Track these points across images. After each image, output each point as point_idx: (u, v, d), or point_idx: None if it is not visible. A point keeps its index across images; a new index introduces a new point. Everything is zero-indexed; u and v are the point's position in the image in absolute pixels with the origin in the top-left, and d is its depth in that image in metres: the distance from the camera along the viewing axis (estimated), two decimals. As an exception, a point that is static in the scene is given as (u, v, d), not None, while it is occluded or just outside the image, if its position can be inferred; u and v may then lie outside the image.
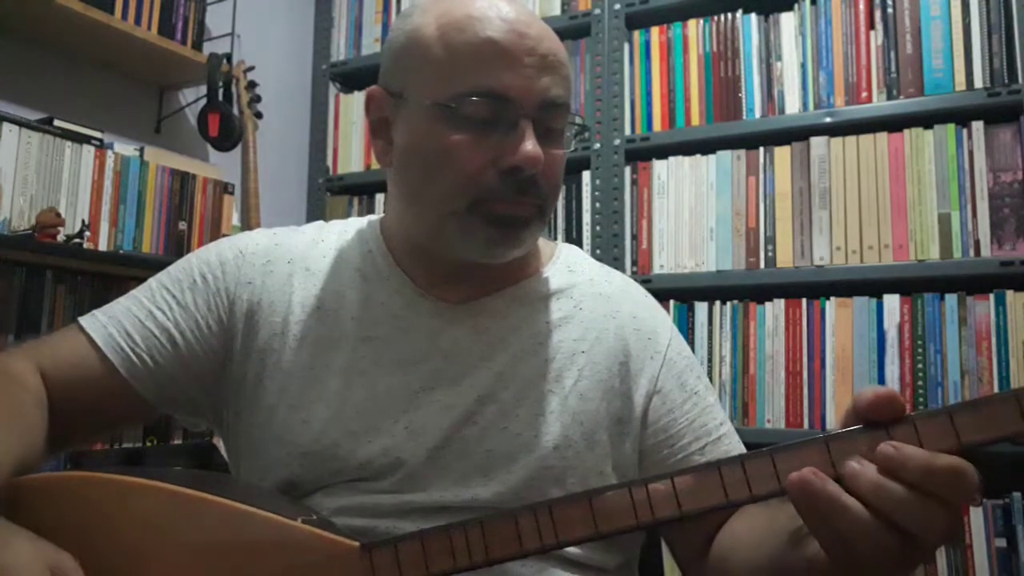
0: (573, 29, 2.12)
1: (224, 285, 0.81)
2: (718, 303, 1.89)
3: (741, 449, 0.82)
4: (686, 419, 0.81)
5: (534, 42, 0.73)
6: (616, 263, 1.96)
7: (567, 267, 0.87)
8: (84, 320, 0.79)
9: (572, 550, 0.73)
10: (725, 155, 1.93)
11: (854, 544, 0.49)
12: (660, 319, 0.87)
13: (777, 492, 0.53)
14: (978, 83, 1.71)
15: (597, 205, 2.03)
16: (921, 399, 1.68)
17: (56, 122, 1.73)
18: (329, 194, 2.43)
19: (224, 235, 1.99)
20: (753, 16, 1.95)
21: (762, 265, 1.86)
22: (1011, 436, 0.50)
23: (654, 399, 0.81)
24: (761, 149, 1.90)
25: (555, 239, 2.03)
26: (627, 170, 2.02)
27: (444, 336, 0.78)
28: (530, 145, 0.71)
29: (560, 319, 0.81)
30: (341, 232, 0.87)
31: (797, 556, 0.57)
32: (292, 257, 0.83)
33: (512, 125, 0.72)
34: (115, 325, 0.78)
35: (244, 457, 0.81)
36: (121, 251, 1.81)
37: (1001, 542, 1.57)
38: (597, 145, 2.04)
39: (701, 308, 1.90)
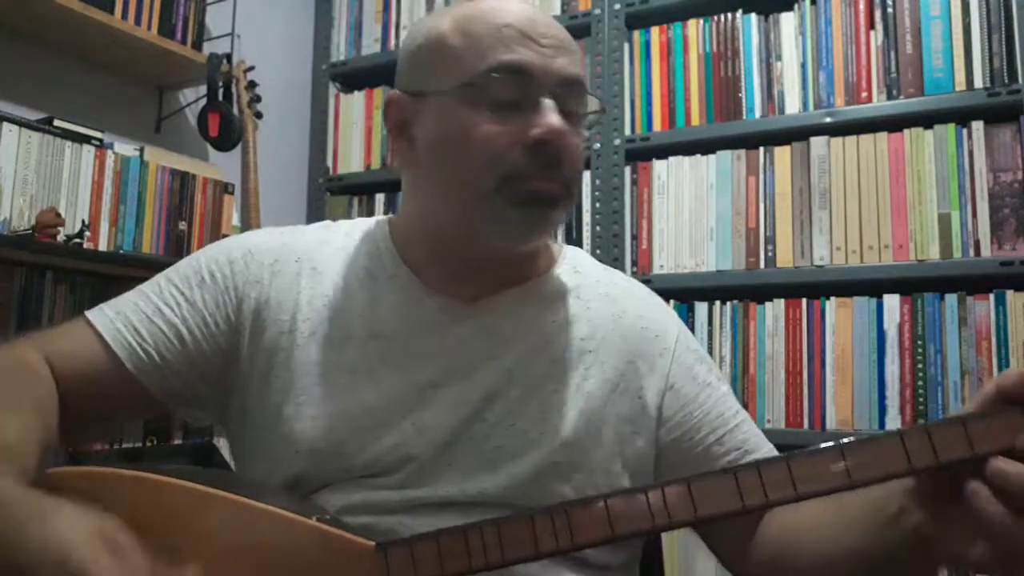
0: (573, 29, 2.10)
1: (232, 283, 0.81)
2: (718, 303, 1.89)
3: (759, 435, 0.83)
4: (701, 411, 0.81)
5: (546, 27, 0.76)
6: (616, 263, 1.96)
7: (573, 268, 0.87)
8: (91, 314, 0.79)
9: None
10: (725, 155, 1.93)
11: None
12: (667, 317, 0.88)
13: (791, 499, 0.54)
14: (978, 83, 1.71)
15: (597, 205, 2.03)
16: (921, 399, 1.68)
17: (56, 122, 1.73)
18: (329, 194, 2.43)
19: (224, 235, 1.99)
20: (753, 16, 1.95)
21: (762, 265, 1.86)
22: None
23: (667, 396, 0.81)
24: (761, 149, 1.90)
25: (555, 239, 2.03)
26: (627, 170, 2.02)
27: (452, 333, 0.79)
28: (554, 118, 0.72)
29: (567, 318, 0.82)
30: (347, 232, 0.87)
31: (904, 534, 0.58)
32: (299, 256, 0.83)
33: (535, 103, 0.73)
34: (122, 320, 0.78)
35: (249, 454, 0.81)
36: (121, 251, 1.81)
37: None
38: (597, 145, 2.04)
39: (701, 308, 1.90)
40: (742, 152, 1.91)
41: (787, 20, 1.91)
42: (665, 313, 0.89)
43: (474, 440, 0.75)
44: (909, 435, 0.52)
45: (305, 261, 0.83)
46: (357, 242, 0.85)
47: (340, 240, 0.86)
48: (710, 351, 1.87)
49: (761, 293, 1.85)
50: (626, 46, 2.07)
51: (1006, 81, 1.68)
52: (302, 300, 0.80)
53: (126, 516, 0.62)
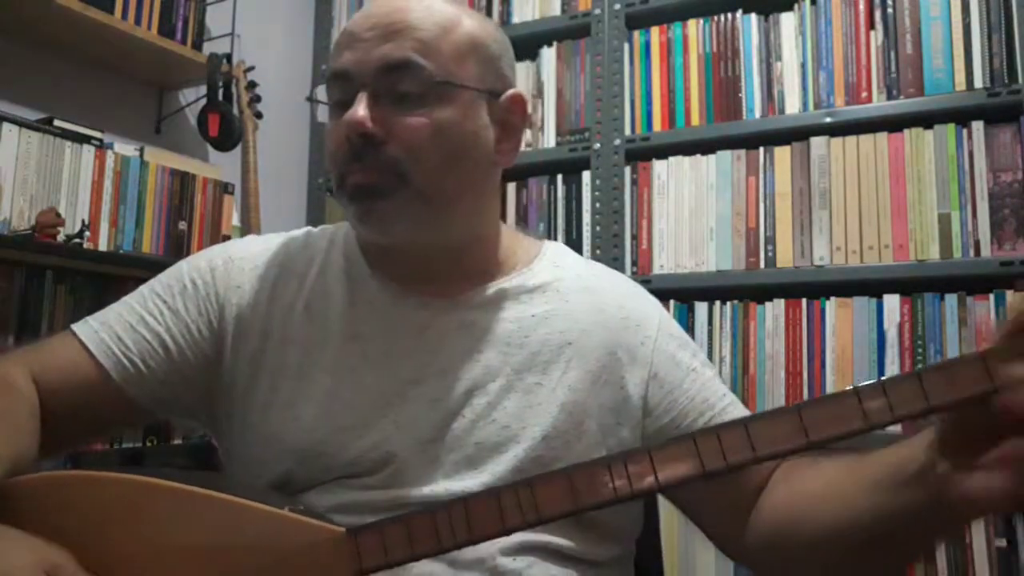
0: (573, 29, 2.12)
1: (214, 290, 0.82)
2: (718, 303, 1.89)
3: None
4: (687, 397, 0.81)
5: (379, 18, 0.76)
6: (616, 263, 1.96)
7: (552, 263, 0.87)
8: (77, 326, 0.80)
9: (563, 542, 0.74)
10: (725, 155, 1.93)
11: None
12: (648, 306, 0.87)
13: (751, 461, 0.55)
14: (978, 83, 1.71)
15: (597, 205, 2.03)
16: (921, 399, 1.68)
17: (56, 122, 1.73)
18: (329, 194, 2.43)
19: (224, 235, 2.00)
20: (753, 16, 1.95)
21: (762, 265, 1.86)
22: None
23: (651, 384, 0.81)
24: (761, 149, 1.90)
25: (555, 239, 2.03)
26: (627, 170, 2.02)
27: (430, 330, 0.79)
28: (356, 111, 0.73)
29: (547, 312, 0.82)
30: (328, 236, 0.88)
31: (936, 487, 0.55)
32: (280, 261, 0.84)
33: (353, 100, 0.74)
34: (107, 331, 0.79)
35: (237, 457, 0.81)
36: (121, 251, 1.81)
37: (1001, 542, 1.57)
38: (597, 145, 2.04)
39: (701, 308, 1.90)
40: (742, 152, 1.92)
41: (787, 20, 1.91)
42: (645, 302, 0.88)
43: (456, 436, 0.75)
44: (865, 392, 0.53)
45: (285, 265, 0.84)
46: (336, 245, 0.86)
47: (321, 244, 0.86)
48: (710, 351, 1.87)
49: (761, 293, 1.85)
50: (626, 46, 2.07)
51: (1006, 81, 1.68)
52: (283, 304, 0.81)
53: (94, 520, 0.63)
